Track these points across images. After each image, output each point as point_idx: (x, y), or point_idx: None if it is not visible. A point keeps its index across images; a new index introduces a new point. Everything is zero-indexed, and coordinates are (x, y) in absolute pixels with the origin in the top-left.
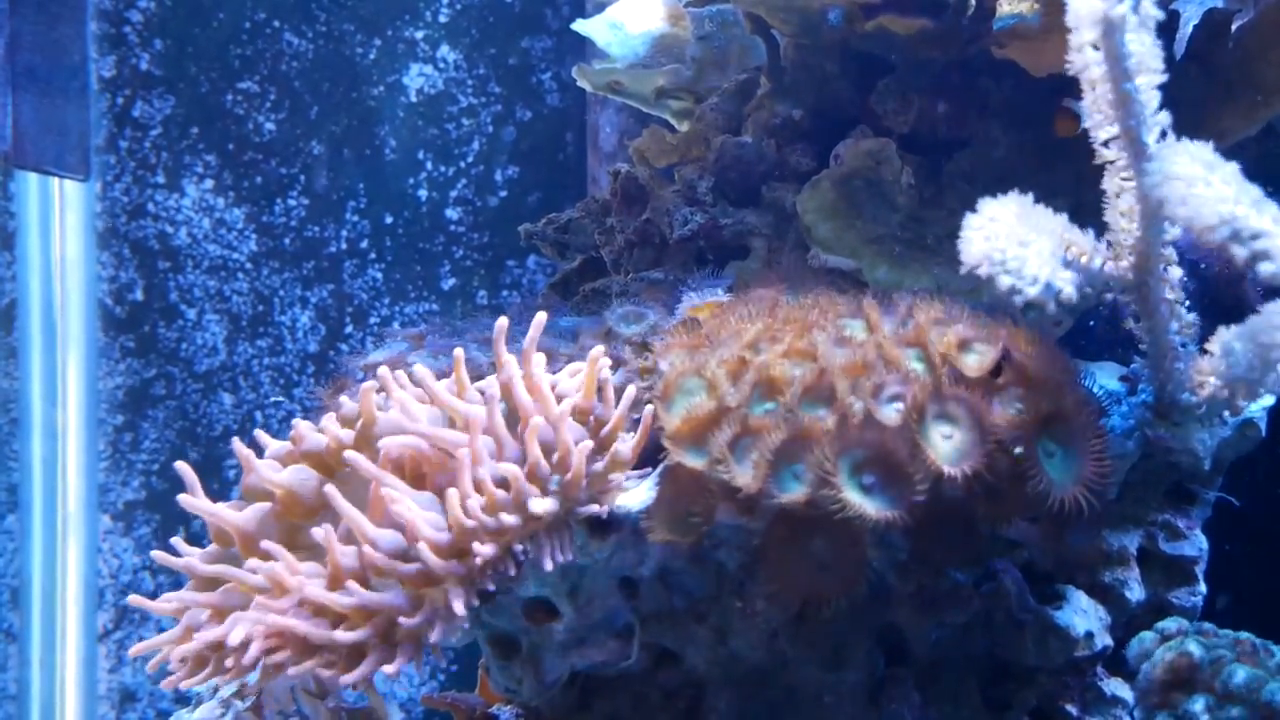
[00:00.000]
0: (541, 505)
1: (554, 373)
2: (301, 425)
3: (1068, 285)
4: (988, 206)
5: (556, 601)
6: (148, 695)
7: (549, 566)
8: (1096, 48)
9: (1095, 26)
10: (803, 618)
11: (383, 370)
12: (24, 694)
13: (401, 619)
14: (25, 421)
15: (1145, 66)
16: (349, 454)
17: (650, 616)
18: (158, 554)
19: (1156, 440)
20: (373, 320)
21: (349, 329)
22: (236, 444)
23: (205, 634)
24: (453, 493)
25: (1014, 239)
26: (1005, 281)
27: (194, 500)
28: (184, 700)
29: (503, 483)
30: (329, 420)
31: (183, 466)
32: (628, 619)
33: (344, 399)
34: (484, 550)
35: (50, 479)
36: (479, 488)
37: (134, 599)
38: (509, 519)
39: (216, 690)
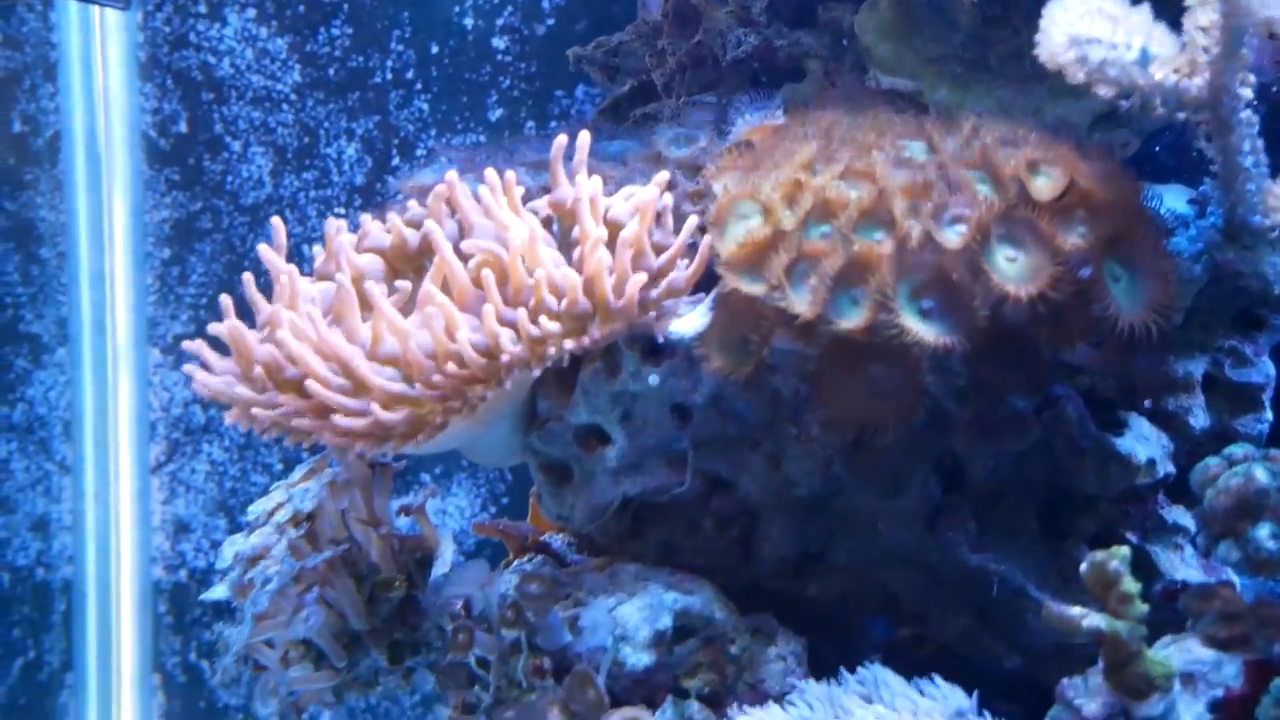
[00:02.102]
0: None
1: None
2: (369, 222)
3: (1166, 47)
4: None
5: (608, 428)
6: (201, 526)
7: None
8: None
9: None
10: (859, 445)
11: (451, 175)
12: (79, 525)
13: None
14: (72, 256)
15: None
16: (429, 224)
17: (703, 443)
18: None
19: (1225, 264)
20: (419, 152)
21: (395, 161)
22: (328, 222)
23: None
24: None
25: (1100, 13)
26: (1096, 55)
27: (273, 255)
28: (238, 530)
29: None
30: (394, 219)
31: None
32: (681, 445)
33: (412, 203)
34: (513, 349)
35: (99, 313)
36: (530, 292)
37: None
38: (550, 325)
39: (271, 516)
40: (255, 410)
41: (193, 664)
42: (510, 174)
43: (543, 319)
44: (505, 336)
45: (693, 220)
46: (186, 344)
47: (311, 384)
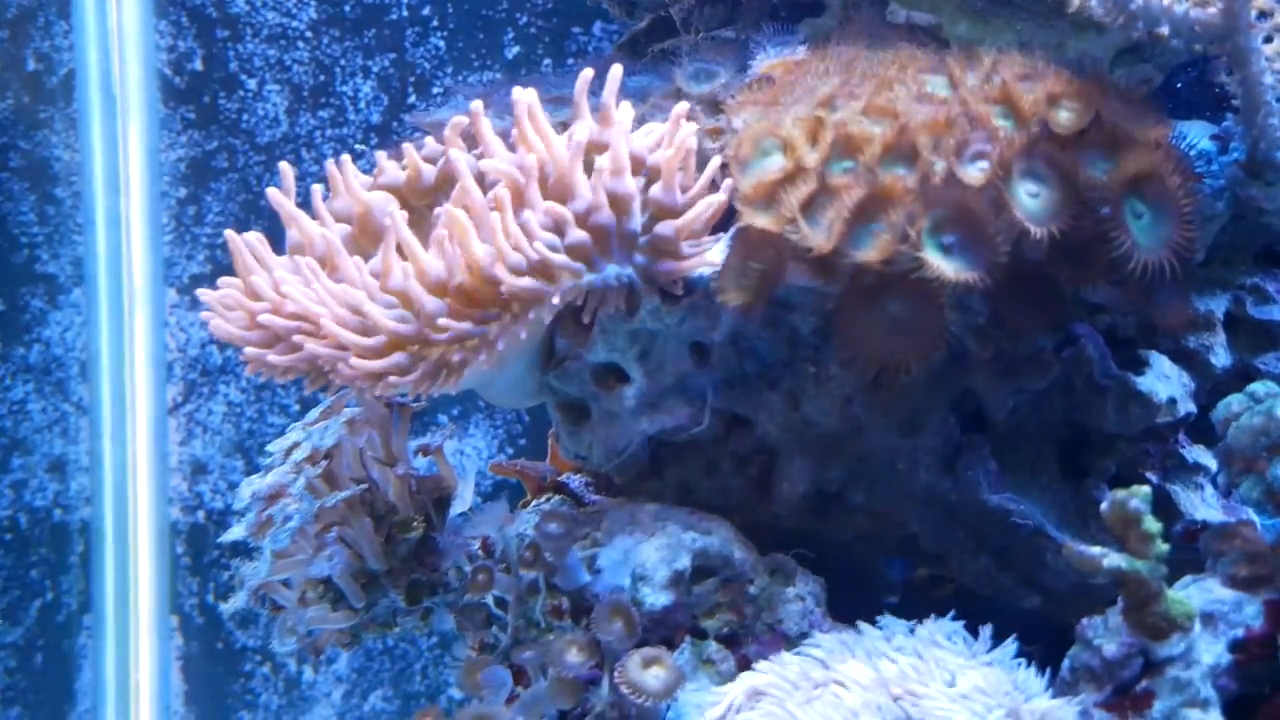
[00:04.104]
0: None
1: None
2: (384, 159)
3: None
4: None
5: (627, 366)
6: (219, 467)
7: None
8: None
9: None
10: (878, 383)
11: (476, 105)
12: (96, 465)
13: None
14: (88, 195)
15: None
16: (452, 153)
17: (722, 382)
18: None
19: (1247, 200)
20: (435, 90)
21: (412, 99)
22: (329, 163)
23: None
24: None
25: None
26: None
27: (282, 200)
28: (255, 471)
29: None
30: (410, 152)
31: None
32: (699, 384)
33: (428, 139)
34: (518, 283)
35: (115, 253)
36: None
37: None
38: (556, 258)
39: (289, 454)
40: (271, 358)
41: (210, 605)
42: (531, 91)
43: (538, 245)
44: (514, 258)
45: (715, 161)
46: (202, 295)
47: (328, 326)
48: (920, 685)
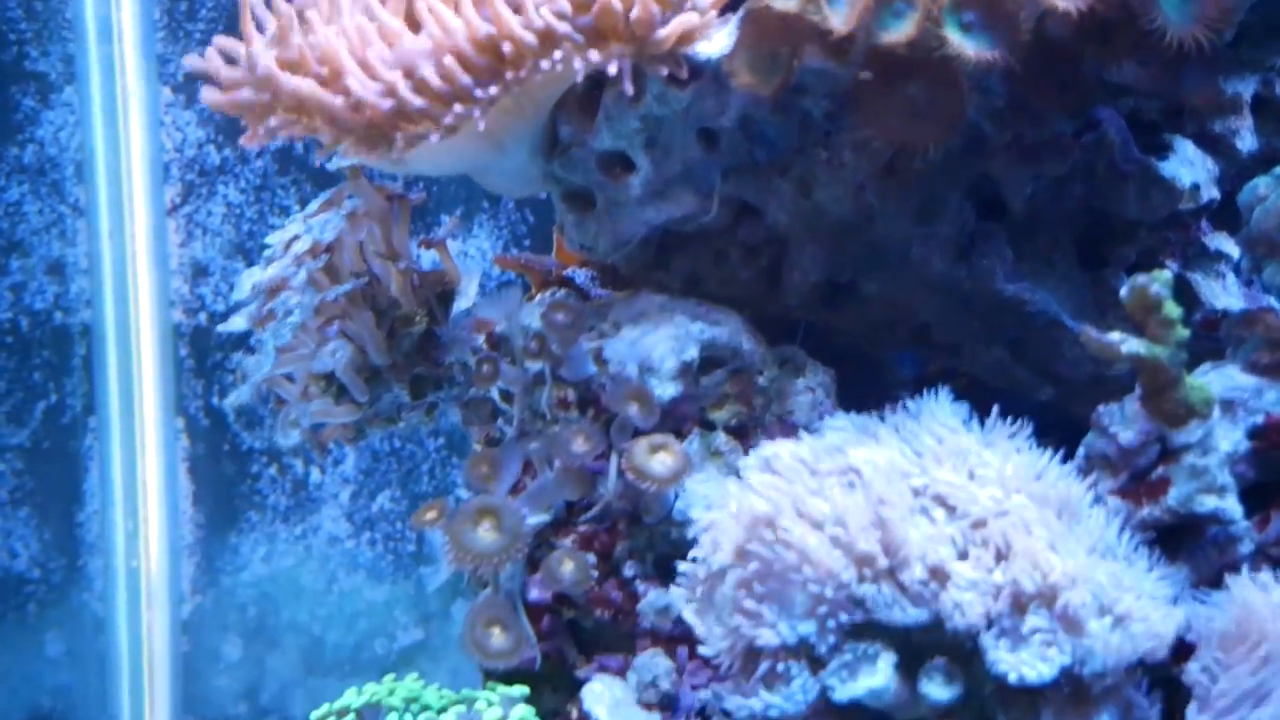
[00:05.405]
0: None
1: None
2: None
3: None
4: None
5: (633, 154)
6: (219, 269)
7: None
8: None
9: None
10: (892, 169)
11: None
12: (95, 267)
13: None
14: None
15: None
16: None
17: (731, 169)
18: None
19: None
20: None
21: None
22: None
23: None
24: None
25: None
26: None
27: None
28: None
29: None
30: None
31: None
32: (708, 172)
33: None
34: (524, 34)
35: (106, 50)
36: None
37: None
38: (561, 26)
39: (289, 247)
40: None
41: (215, 408)
42: None
43: (544, 11)
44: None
45: None
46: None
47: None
48: (937, 467)
